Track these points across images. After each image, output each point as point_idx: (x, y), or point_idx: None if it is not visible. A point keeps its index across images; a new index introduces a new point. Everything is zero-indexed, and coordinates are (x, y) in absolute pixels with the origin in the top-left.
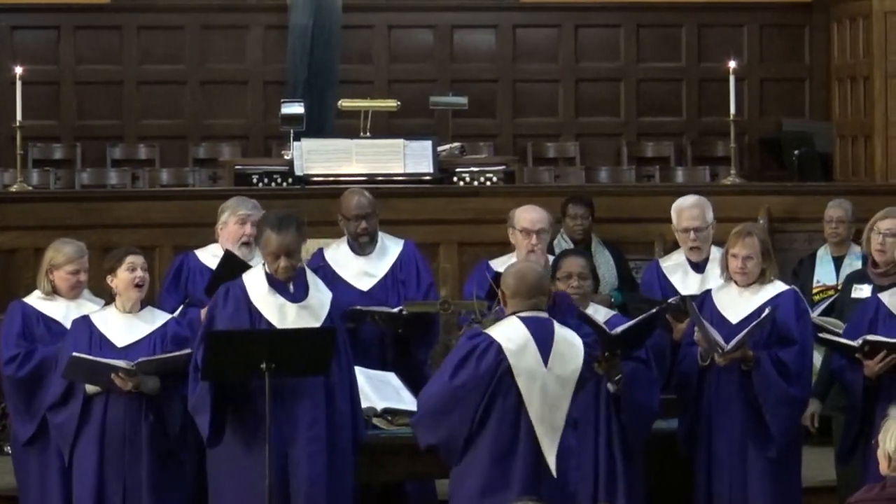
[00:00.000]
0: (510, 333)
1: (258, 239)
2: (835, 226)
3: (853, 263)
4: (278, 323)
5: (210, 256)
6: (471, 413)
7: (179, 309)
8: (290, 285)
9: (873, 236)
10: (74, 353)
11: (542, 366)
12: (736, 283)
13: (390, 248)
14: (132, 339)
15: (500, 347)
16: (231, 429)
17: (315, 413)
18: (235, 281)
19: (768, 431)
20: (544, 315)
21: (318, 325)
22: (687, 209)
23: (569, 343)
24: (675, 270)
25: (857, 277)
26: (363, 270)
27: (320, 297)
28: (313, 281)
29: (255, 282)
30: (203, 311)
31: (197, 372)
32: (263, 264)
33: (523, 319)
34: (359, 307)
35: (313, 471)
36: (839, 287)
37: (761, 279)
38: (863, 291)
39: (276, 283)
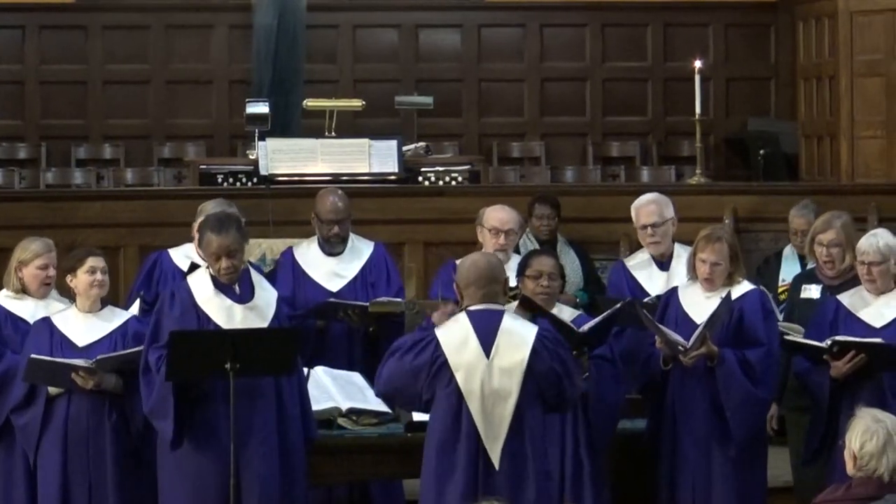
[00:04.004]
0: (452, 328)
1: (200, 241)
2: (800, 239)
3: None
4: (225, 324)
5: (183, 258)
6: (415, 396)
7: (136, 302)
8: (235, 286)
9: (817, 248)
10: (32, 356)
11: (484, 357)
12: (702, 285)
13: (361, 250)
14: (93, 339)
15: (438, 342)
16: (187, 430)
17: (266, 415)
18: (181, 283)
19: (730, 431)
20: (496, 307)
21: (265, 325)
22: (644, 206)
23: (514, 333)
24: (640, 269)
25: (806, 278)
26: (333, 271)
27: (266, 296)
28: (258, 281)
29: (200, 284)
30: None
31: (148, 375)
32: (208, 266)
33: (470, 313)
34: (333, 300)
35: (265, 471)
36: None
37: (728, 281)
38: (811, 292)
39: (221, 285)
